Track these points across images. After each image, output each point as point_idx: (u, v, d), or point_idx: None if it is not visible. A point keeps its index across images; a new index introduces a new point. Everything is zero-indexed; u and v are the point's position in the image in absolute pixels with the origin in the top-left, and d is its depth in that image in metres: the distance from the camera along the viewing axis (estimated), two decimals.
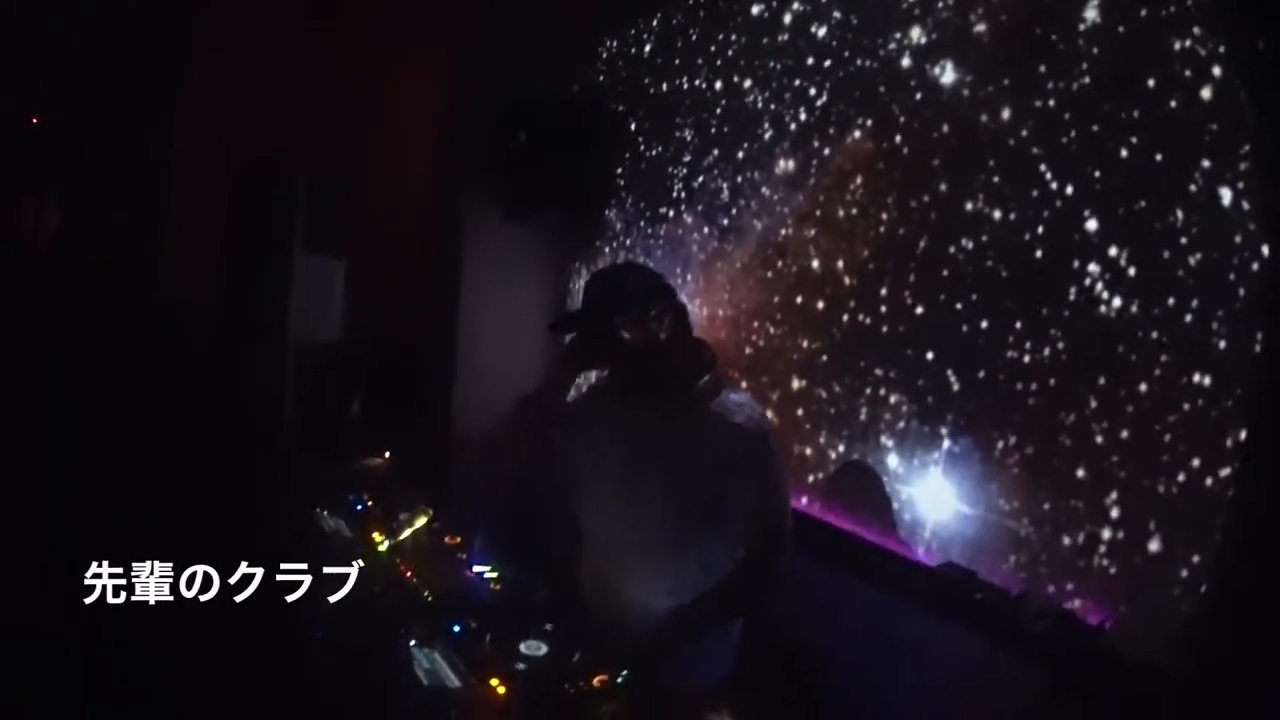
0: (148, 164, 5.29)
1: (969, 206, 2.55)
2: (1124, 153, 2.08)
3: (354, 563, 2.44)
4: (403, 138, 5.37)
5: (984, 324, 2.53)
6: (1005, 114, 2.44)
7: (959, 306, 2.60)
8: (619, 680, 2.02)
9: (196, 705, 2.37)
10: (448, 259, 4.52)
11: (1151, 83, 1.99)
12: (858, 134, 2.97)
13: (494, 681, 1.99)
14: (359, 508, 2.83)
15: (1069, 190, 2.25)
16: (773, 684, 2.55)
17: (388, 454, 3.27)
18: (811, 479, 3.01)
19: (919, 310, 2.75)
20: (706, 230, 3.59)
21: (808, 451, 3.04)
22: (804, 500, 3.06)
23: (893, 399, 2.82)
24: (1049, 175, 2.30)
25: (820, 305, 3.10)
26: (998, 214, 2.47)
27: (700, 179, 3.61)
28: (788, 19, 3.23)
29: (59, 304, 3.19)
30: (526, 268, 4.50)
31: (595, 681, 2.01)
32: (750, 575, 2.25)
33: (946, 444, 2.62)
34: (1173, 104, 1.97)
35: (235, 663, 2.41)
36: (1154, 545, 2.08)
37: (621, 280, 2.41)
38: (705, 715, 1.93)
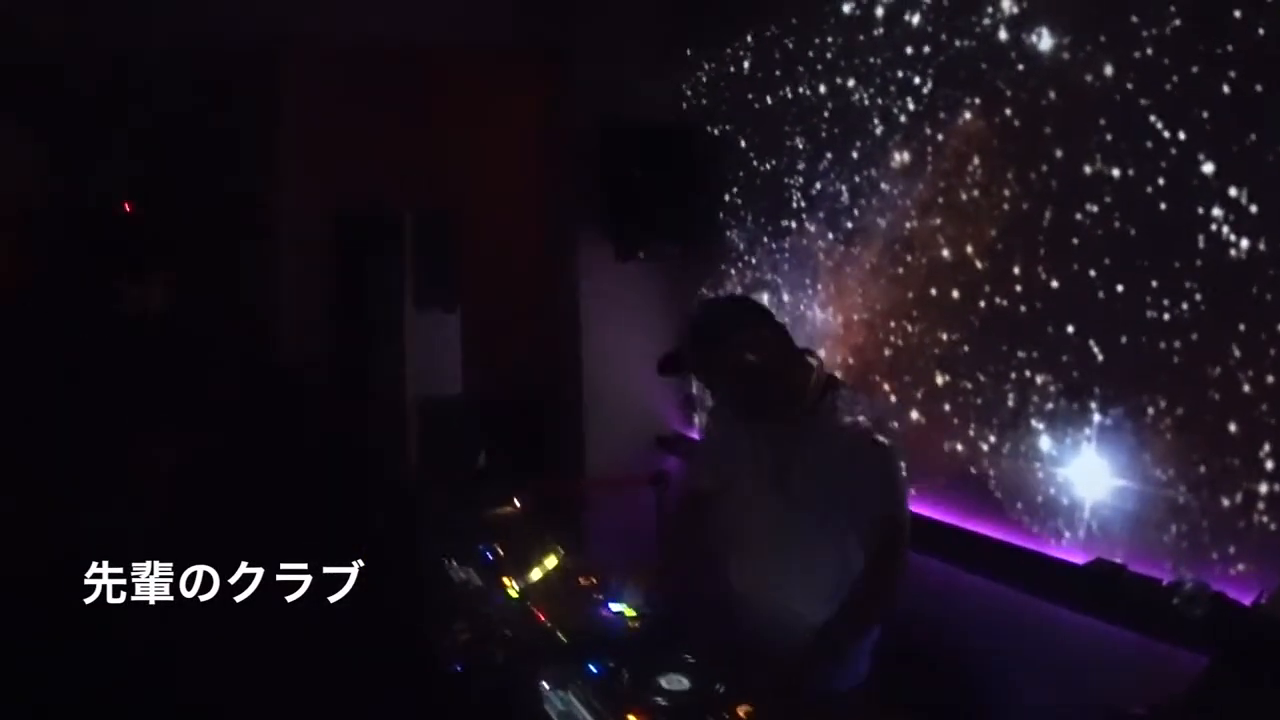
0: (253, 232, 5.53)
1: (1087, 169, 2.51)
2: (1225, 89, 2.03)
3: (482, 611, 2.48)
4: (507, 183, 5.51)
5: (1119, 288, 2.47)
6: (1107, 70, 2.41)
7: (1092, 274, 2.56)
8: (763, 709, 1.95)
9: None
10: (565, 303, 4.67)
11: (1238, 13, 1.94)
12: (967, 115, 2.96)
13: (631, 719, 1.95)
14: (489, 556, 2.87)
15: (1181, 136, 2.19)
16: (912, 688, 2.54)
17: (516, 502, 3.33)
18: (973, 469, 2.98)
19: (1054, 284, 2.71)
20: (831, 236, 3.62)
21: (959, 447, 3.01)
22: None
23: (1039, 379, 2.77)
24: (1159, 125, 2.26)
25: (955, 294, 3.08)
26: (1116, 172, 2.43)
27: (818, 185, 3.65)
28: (880, 12, 3.26)
29: (174, 375, 3.39)
30: (647, 303, 4.61)
31: (741, 713, 1.97)
32: (880, 579, 2.29)
33: (1097, 418, 2.56)
34: (1261, 31, 1.92)
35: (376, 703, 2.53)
36: None
37: (716, 313, 2.64)
38: None
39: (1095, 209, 2.51)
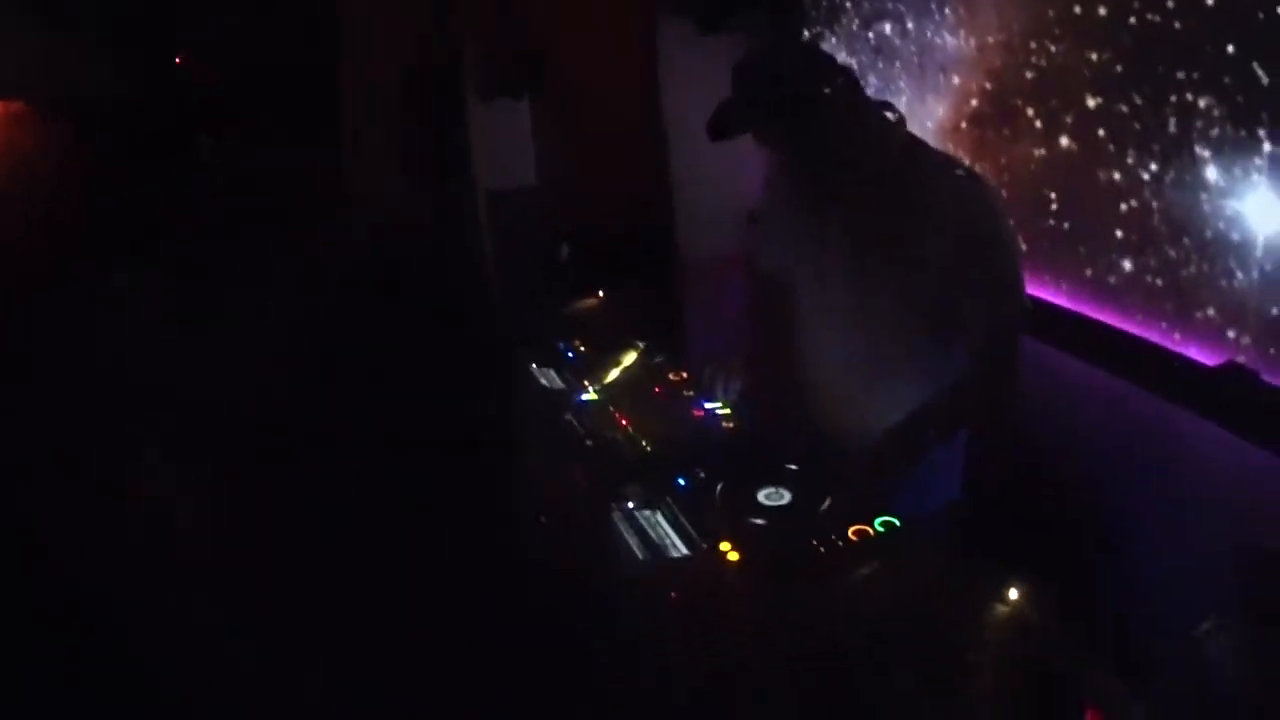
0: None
1: None
2: None
3: (565, 416, 2.34)
4: None
5: None
6: None
7: None
8: (880, 529, 1.80)
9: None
10: (646, 80, 4.54)
11: None
12: None
13: (725, 546, 1.77)
14: (570, 355, 2.71)
15: None
16: (1012, 504, 2.47)
17: (600, 294, 3.24)
18: (1124, 207, 3.08)
19: (1210, 2, 2.69)
20: None
21: (1116, 176, 3.09)
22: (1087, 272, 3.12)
23: (1201, 103, 2.81)
24: None
25: (1101, 11, 3.06)
26: None
27: None
28: None
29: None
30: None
31: (851, 534, 1.80)
32: (973, 387, 2.13)
33: (1267, 147, 2.62)
34: None
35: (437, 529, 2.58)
36: None
37: (771, 63, 2.26)
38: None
39: None
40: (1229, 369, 2.69)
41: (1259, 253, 2.63)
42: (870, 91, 4.05)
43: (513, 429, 2.59)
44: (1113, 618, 2.32)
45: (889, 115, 2.28)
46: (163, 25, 5.35)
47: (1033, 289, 3.29)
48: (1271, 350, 2.60)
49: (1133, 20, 2.95)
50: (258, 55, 5.35)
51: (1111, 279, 3.11)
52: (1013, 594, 1.69)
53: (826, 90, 2.14)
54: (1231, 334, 2.71)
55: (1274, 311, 2.58)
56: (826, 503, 1.87)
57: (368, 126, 5.83)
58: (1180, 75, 2.83)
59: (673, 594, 1.71)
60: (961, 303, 2.15)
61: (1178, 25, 2.80)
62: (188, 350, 3.43)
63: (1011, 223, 2.30)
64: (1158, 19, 2.86)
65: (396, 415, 3.40)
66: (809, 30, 4.47)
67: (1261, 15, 2.52)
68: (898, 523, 1.84)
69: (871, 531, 1.81)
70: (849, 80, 2.23)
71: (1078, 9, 3.14)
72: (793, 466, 1.99)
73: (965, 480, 2.36)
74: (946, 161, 2.29)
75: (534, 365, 2.71)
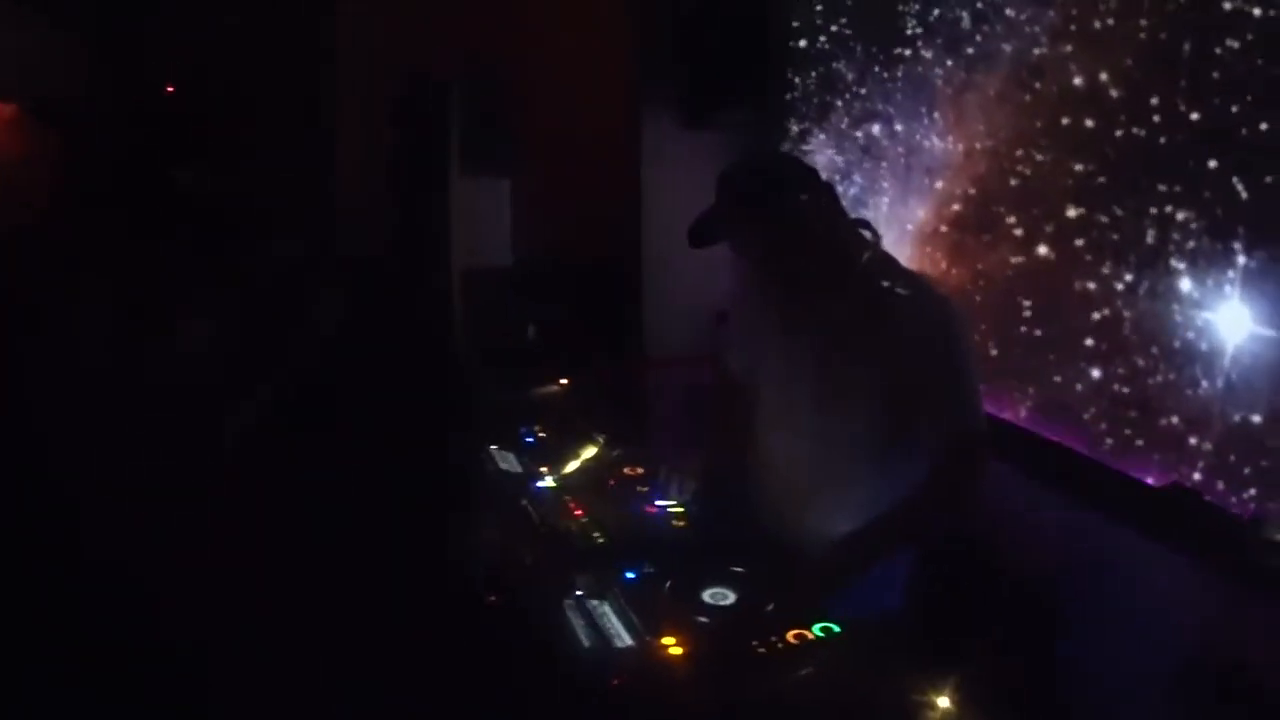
0: (304, 104, 5.58)
1: (1227, 6, 2.54)
2: None
3: (520, 501, 2.39)
4: (563, 42, 5.38)
5: (1263, 126, 2.54)
6: None
7: (1234, 109, 2.61)
8: (818, 634, 1.85)
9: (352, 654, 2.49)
10: (626, 171, 4.60)
11: None
12: None
13: (668, 640, 1.84)
14: (530, 440, 2.78)
15: None
16: (953, 614, 2.48)
17: (564, 381, 3.26)
18: (1098, 316, 3.12)
19: (1194, 117, 2.77)
20: (950, 63, 3.66)
21: (1090, 286, 3.14)
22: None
23: (1180, 216, 2.87)
24: None
25: (1089, 123, 3.14)
26: (1258, 11, 2.46)
27: (936, 11, 3.67)
28: None
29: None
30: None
31: (790, 637, 1.85)
32: (933, 497, 2.15)
33: (1241, 260, 2.67)
34: None
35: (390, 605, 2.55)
36: None
37: (753, 172, 2.33)
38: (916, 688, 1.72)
39: (1236, 44, 2.55)
40: (1172, 490, 2.74)
41: (1225, 362, 2.66)
42: (854, 190, 4.17)
43: (468, 506, 2.65)
44: None
45: (865, 233, 2.34)
46: (133, 37, 5.39)
47: (999, 397, 3.36)
48: (1231, 457, 2.63)
49: (1119, 133, 3.03)
50: (239, 79, 5.38)
51: (1078, 386, 3.14)
52: (944, 704, 1.72)
53: (805, 198, 2.21)
54: (1193, 440, 2.72)
55: (1235, 419, 2.60)
56: (769, 606, 1.94)
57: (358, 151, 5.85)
58: (1162, 188, 2.90)
59: (614, 681, 1.78)
60: (920, 420, 2.19)
61: (1162, 140, 2.88)
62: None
63: (973, 346, 2.37)
64: (1143, 133, 2.95)
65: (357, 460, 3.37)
66: (797, 127, 4.58)
67: (1244, 131, 2.59)
68: (836, 628, 1.91)
69: (810, 636, 1.87)
70: (829, 192, 2.30)
71: (1065, 120, 3.22)
72: (739, 569, 2.06)
73: (905, 589, 2.38)
74: (917, 281, 2.32)
75: (494, 448, 2.77)
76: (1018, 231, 3.44)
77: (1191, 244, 2.81)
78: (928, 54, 3.76)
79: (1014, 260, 3.45)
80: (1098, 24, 3.02)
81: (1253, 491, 2.59)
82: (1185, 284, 2.82)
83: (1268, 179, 2.55)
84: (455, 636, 2.32)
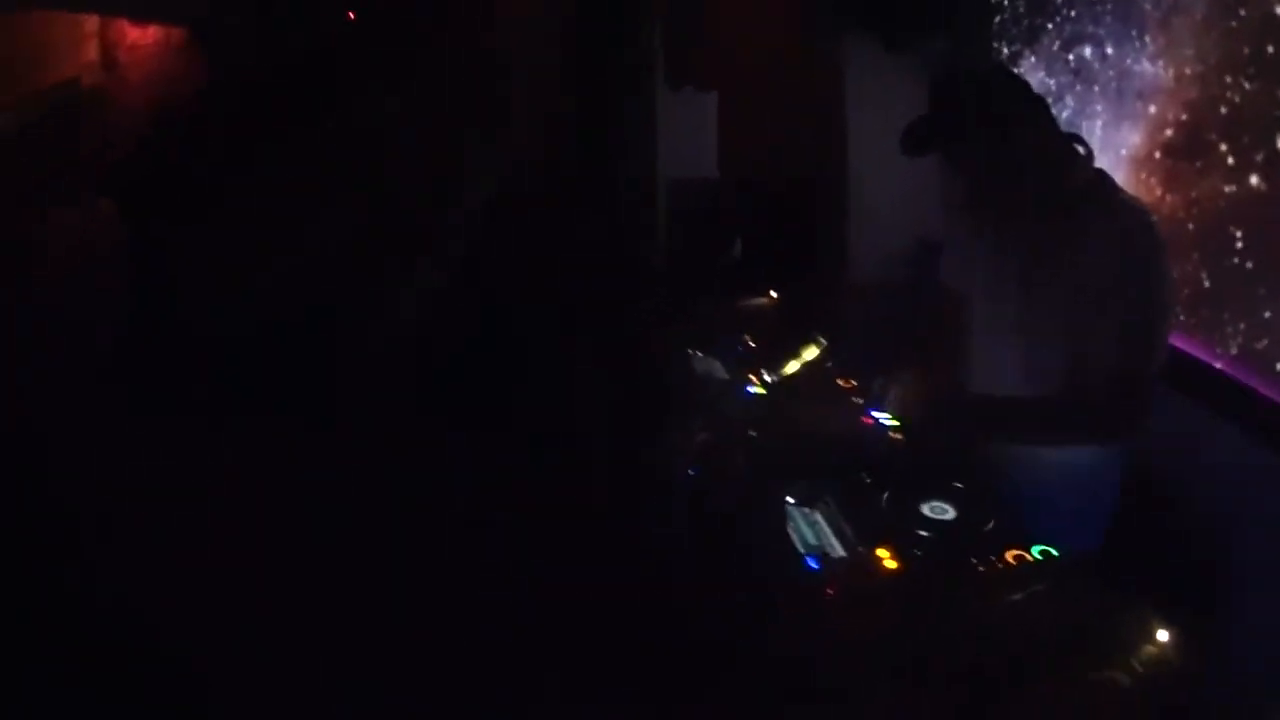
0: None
1: None
2: None
3: (727, 405, 2.36)
4: None
5: None
6: None
7: None
8: (1036, 555, 1.83)
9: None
10: (830, 92, 4.62)
11: None
12: None
13: (883, 552, 1.82)
14: (738, 349, 2.72)
15: None
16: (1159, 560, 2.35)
17: (773, 293, 3.22)
18: None
19: None
20: None
21: None
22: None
23: None
24: None
25: None
26: None
27: None
28: None
29: None
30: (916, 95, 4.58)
31: (1009, 557, 1.82)
32: (1104, 401, 2.17)
33: None
34: None
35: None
36: None
37: (969, 79, 2.45)
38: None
39: None
40: None
41: None
42: (1067, 113, 4.08)
43: (655, 411, 2.69)
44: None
45: (1078, 148, 2.33)
46: None
47: (1208, 333, 3.32)
48: None
49: None
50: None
51: None
52: (1161, 638, 1.69)
53: (1019, 108, 2.23)
54: None
55: None
56: (990, 524, 1.89)
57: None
58: None
59: (829, 591, 1.75)
60: (1109, 332, 2.20)
61: None
62: None
63: (1172, 282, 2.37)
64: None
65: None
66: (1007, 49, 4.49)
67: None
68: (1055, 552, 1.87)
69: (1029, 558, 1.83)
70: (1043, 106, 2.31)
71: (1270, 48, 3.10)
72: (958, 484, 2.00)
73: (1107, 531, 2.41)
74: (1128, 205, 2.31)
75: (696, 353, 2.73)
76: (1230, 160, 3.34)
77: None
78: None
79: (1226, 189, 3.37)
80: None
81: None
82: None
83: None
84: (658, 543, 2.23)
